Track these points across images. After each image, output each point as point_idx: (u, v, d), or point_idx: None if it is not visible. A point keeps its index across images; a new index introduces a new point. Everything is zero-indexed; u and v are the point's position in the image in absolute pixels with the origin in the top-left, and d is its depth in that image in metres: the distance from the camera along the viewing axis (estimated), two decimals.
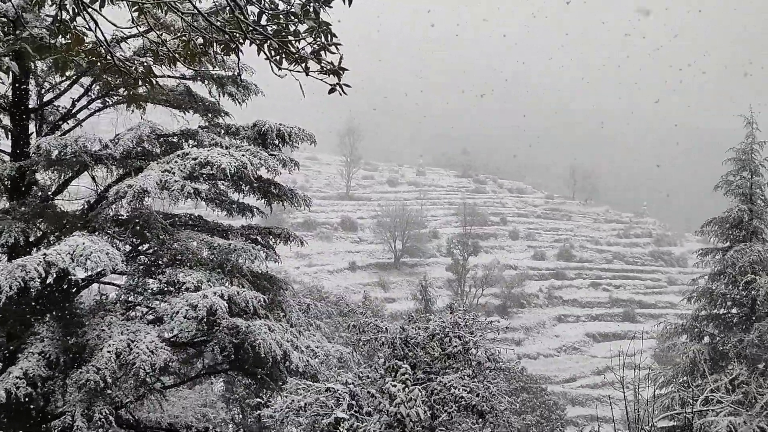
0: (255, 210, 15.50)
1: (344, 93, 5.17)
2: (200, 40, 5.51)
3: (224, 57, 11.59)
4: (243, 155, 12.35)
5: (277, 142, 14.46)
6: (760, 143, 20.70)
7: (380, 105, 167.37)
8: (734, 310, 20.86)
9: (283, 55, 5.17)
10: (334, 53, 5.11)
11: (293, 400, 10.74)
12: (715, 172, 21.95)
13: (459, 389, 10.77)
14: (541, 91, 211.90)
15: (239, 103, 14.54)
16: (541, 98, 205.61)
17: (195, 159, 11.95)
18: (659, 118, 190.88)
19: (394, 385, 9.92)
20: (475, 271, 71.46)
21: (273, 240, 15.22)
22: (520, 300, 72.97)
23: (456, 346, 11.64)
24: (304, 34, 5.12)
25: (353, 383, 11.00)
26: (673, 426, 19.21)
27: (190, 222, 14.39)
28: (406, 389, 9.92)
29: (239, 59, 5.70)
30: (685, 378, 19.73)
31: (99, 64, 6.33)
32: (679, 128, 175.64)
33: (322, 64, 5.13)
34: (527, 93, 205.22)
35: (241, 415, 21.72)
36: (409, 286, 69.78)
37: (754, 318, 19.43)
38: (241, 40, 5.25)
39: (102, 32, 5.42)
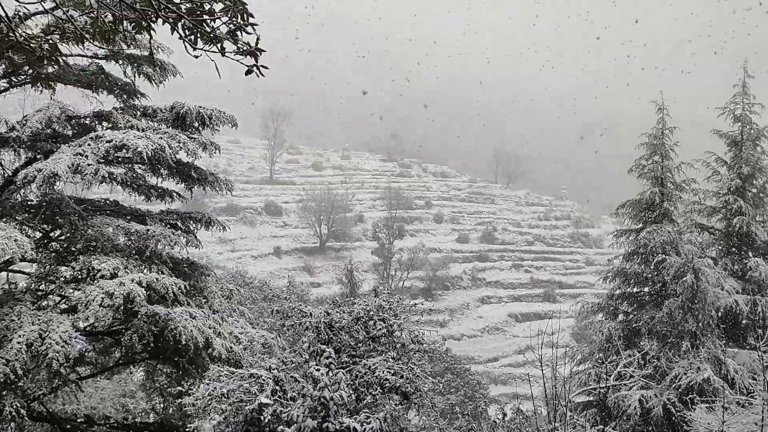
0: (175, 194, 15.10)
1: (261, 75, 5.05)
2: (110, 18, 5.27)
3: (135, 36, 11.18)
4: (161, 138, 12.00)
5: (196, 124, 14.08)
6: (670, 129, 21.49)
7: (305, 88, 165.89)
8: (646, 289, 21.64)
9: (198, 35, 5.01)
10: (250, 33, 4.98)
11: (215, 388, 10.56)
12: (631, 156, 22.64)
13: (383, 371, 10.84)
14: (465, 77, 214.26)
15: (156, 84, 14.05)
16: (465, 84, 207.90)
17: (110, 142, 11.52)
18: (576, 103, 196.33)
19: (318, 369, 9.88)
20: (400, 254, 72.11)
21: (194, 225, 14.87)
22: (445, 282, 74.14)
23: (380, 329, 11.71)
24: (219, 13, 4.97)
25: (277, 369, 10.89)
26: (590, 401, 19.96)
27: (106, 207, 13.89)
28: (330, 373, 9.90)
29: (151, 38, 5.48)
30: (601, 355, 20.42)
31: (1, 42, 5.98)
32: (597, 113, 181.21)
33: (239, 45, 5.00)
34: (453, 78, 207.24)
35: (162, 405, 21.23)
36: (335, 270, 69.85)
37: (664, 296, 20.25)
38: (153, 18, 5.04)
39: (3, 8, 5.11)
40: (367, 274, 69.29)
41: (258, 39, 4.99)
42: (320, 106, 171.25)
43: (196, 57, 5.16)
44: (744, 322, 20.61)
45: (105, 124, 13.17)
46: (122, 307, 10.96)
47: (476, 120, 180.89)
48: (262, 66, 5.04)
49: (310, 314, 11.94)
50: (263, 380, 10.53)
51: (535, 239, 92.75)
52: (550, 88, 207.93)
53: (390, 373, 10.83)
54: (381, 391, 10.92)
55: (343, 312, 12.09)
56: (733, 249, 22.37)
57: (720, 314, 19.59)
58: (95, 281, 11.19)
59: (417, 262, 70.83)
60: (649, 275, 21.10)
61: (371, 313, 11.86)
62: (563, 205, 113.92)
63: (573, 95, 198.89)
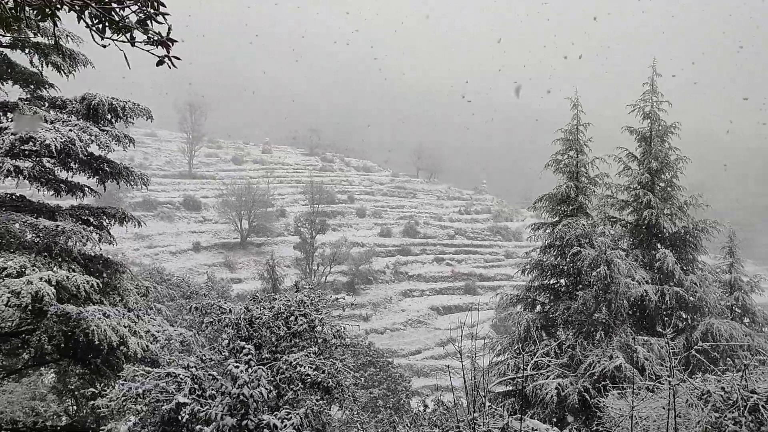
0: (87, 189, 14.52)
1: (174, 66, 4.89)
2: (11, 3, 4.98)
3: (38, 23, 10.65)
4: (71, 130, 11.49)
5: (109, 116, 13.58)
6: (584, 125, 22.19)
7: (226, 81, 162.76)
8: (563, 280, 22.30)
9: (106, 23, 4.79)
10: (161, 23, 4.80)
11: (131, 388, 10.20)
12: (548, 150, 23.23)
13: (305, 367, 10.74)
14: (388, 73, 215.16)
15: (65, 74, 13.46)
16: (390, 80, 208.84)
17: (15, 134, 10.95)
18: (497, 98, 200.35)
19: (237, 367, 9.69)
20: (323, 249, 71.83)
21: (107, 221, 14.36)
22: (368, 276, 74.36)
23: (302, 325, 11.60)
24: (129, 1, 4.78)
25: (196, 366, 10.63)
26: (510, 390, 20.41)
27: (11, 202, 13.20)
28: (250, 370, 9.73)
29: (56, 25, 5.20)
30: (519, 345, 20.90)
31: None
32: (517, 108, 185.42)
33: (149, 35, 4.81)
34: (376, 74, 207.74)
35: (75, 407, 20.45)
36: (257, 266, 68.96)
37: (579, 287, 20.92)
38: (58, 5, 4.79)
39: None
40: (289, 269, 68.73)
41: (170, 29, 4.82)
42: (242, 100, 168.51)
43: (104, 47, 4.94)
44: (653, 310, 21.50)
45: (10, 115, 12.50)
46: (30, 307, 10.46)
47: (398, 114, 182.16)
48: (174, 57, 4.87)
49: (230, 311, 11.71)
50: (181, 379, 10.26)
51: (457, 233, 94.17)
52: (471, 82, 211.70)
53: (312, 368, 10.75)
54: (303, 386, 10.82)
55: (264, 308, 11.91)
56: (643, 241, 23.31)
57: (631, 303, 20.40)
58: (1, 280, 10.64)
59: (340, 256, 70.74)
60: (565, 267, 21.72)
61: (292, 308, 11.73)
62: (483, 198, 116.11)
63: (492, 89, 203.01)
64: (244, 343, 10.53)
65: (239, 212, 77.39)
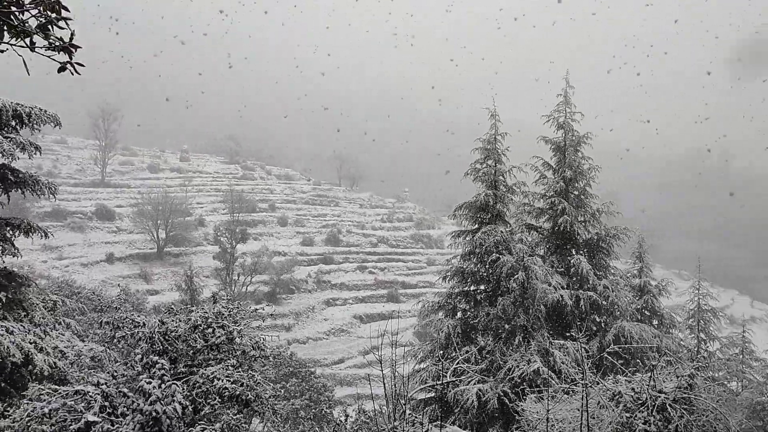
0: None
1: (76, 72, 4.67)
2: None
3: None
4: None
5: (14, 123, 12.91)
6: (502, 134, 22.64)
7: (142, 87, 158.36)
8: (482, 287, 22.61)
9: (5, 28, 4.54)
10: (63, 29, 4.59)
11: (36, 407, 9.66)
12: (469, 159, 23.51)
13: (222, 380, 10.46)
14: (309, 81, 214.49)
15: None
16: (312, 88, 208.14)
17: None
18: (416, 109, 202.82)
19: (149, 382, 9.33)
20: (243, 258, 70.66)
21: (11, 232, 13.62)
22: (290, 286, 73.60)
23: (220, 337, 11.30)
24: (29, 5, 4.54)
25: (107, 383, 10.18)
26: (431, 397, 20.52)
27: None
28: (163, 385, 9.38)
29: None
30: (440, 352, 21.07)
31: None
32: (435, 119, 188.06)
33: (51, 40, 4.59)
34: (299, 83, 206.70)
35: None
36: (174, 277, 67.13)
37: (499, 293, 21.27)
38: None
39: None
40: (208, 279, 67.22)
41: (73, 34, 4.61)
42: (160, 108, 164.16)
43: (2, 51, 4.69)
44: (569, 314, 22.10)
45: None
46: None
47: (320, 123, 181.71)
48: (77, 63, 4.66)
49: (144, 324, 11.28)
50: (91, 396, 9.80)
51: (379, 241, 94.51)
52: (390, 92, 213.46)
53: (230, 381, 10.47)
54: (220, 400, 10.53)
55: (180, 320, 11.55)
56: (559, 247, 23.96)
57: (548, 308, 20.90)
58: None
59: (261, 266, 69.74)
60: (485, 274, 22.04)
61: (210, 320, 11.42)
62: (405, 207, 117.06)
63: (416, 97, 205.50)
64: (157, 357, 10.16)
65: (156, 222, 75.20)
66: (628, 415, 9.33)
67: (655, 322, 27.08)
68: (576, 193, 24.15)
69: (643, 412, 9.27)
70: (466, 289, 22.68)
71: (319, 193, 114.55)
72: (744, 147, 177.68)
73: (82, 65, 4.70)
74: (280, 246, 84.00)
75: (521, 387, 17.60)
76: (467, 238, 22.46)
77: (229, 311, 11.78)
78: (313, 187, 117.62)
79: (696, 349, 30.35)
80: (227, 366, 10.98)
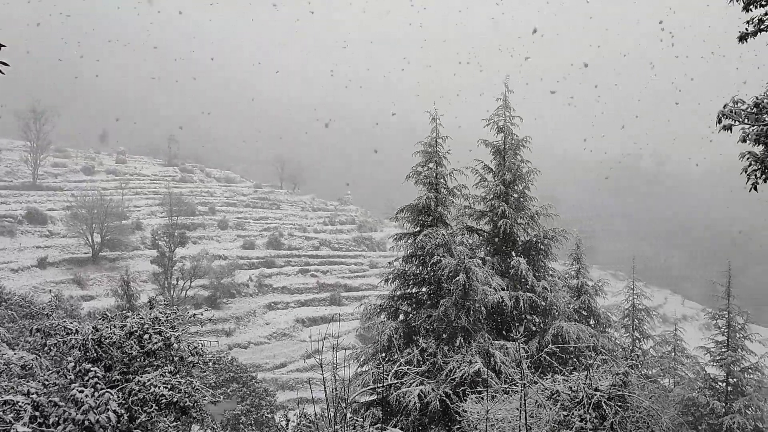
0: None
1: (0, 72, 4.48)
2: None
3: None
4: None
5: None
6: (443, 138, 22.84)
7: (73, 87, 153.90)
8: (424, 289, 22.76)
9: None
10: None
11: None
12: (409, 162, 23.63)
13: (159, 387, 10.20)
14: (249, 84, 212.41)
15: None
16: (254, 92, 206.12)
17: None
18: (359, 110, 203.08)
19: (82, 391, 9.02)
20: (182, 262, 69.26)
21: None
22: (231, 290, 72.52)
23: (156, 343, 11.01)
24: None
25: (37, 392, 9.80)
26: (374, 399, 20.52)
27: None
28: (97, 394, 9.08)
29: None
30: (383, 354, 21.10)
31: None
32: (382, 121, 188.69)
33: None
34: (238, 85, 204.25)
35: None
36: (110, 282, 65.35)
37: (440, 295, 21.43)
38: None
39: None
40: (146, 284, 65.67)
41: None
42: (94, 106, 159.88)
43: None
44: (509, 315, 22.42)
45: None
46: None
47: (260, 124, 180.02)
48: (1, 62, 4.46)
49: (77, 331, 10.91)
50: (20, 407, 9.42)
51: (321, 244, 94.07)
52: (330, 94, 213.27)
53: (167, 388, 10.21)
54: (157, 408, 10.26)
55: (115, 326, 11.21)
56: (499, 249, 24.29)
57: (489, 309, 21.17)
58: None
59: (201, 270, 68.46)
60: (427, 276, 22.17)
61: (146, 326, 11.11)
62: (348, 209, 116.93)
63: (352, 100, 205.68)
64: (90, 365, 9.82)
65: (90, 226, 73.00)
66: (565, 413, 9.51)
67: (591, 322, 27.73)
68: (516, 195, 24.52)
69: (579, 410, 9.46)
70: (408, 291, 22.79)
71: (261, 195, 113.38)
72: (677, 150, 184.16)
73: (6, 64, 4.51)
74: (220, 250, 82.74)
75: (463, 388, 17.77)
76: (409, 241, 22.57)
77: (167, 316, 11.49)
78: (254, 190, 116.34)
79: (630, 347, 31.24)
80: (164, 372, 10.71)
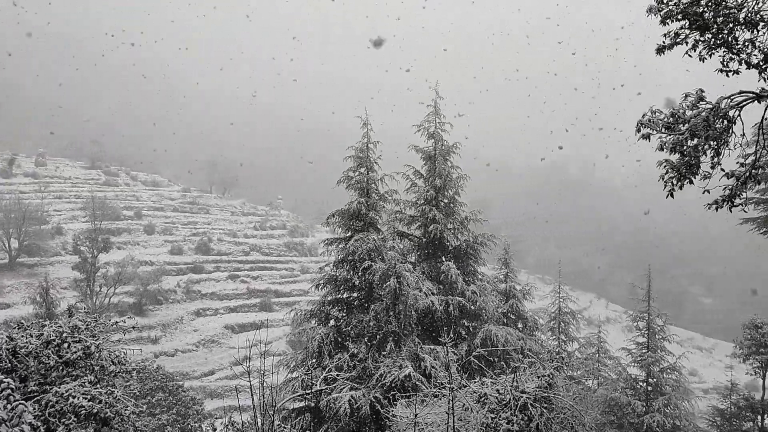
0: None
1: None
2: None
3: None
4: None
5: None
6: (374, 143, 22.86)
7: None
8: (355, 294, 22.69)
9: None
10: None
11: None
12: (340, 167, 23.52)
13: (78, 398, 9.80)
14: (177, 82, 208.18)
15: None
16: (179, 91, 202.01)
17: None
18: (293, 112, 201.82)
19: None
20: (106, 268, 67.15)
21: None
22: (157, 296, 70.71)
23: (75, 352, 10.58)
24: None
25: None
26: (304, 406, 20.32)
27: None
28: (9, 406, 8.65)
29: None
30: (313, 360, 20.92)
31: None
32: (308, 126, 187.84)
33: None
34: (165, 85, 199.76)
35: None
36: (28, 289, 62.62)
37: (371, 300, 21.43)
38: None
39: None
40: (66, 291, 63.29)
41: None
42: (9, 106, 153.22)
43: None
44: (439, 319, 22.61)
45: None
46: None
47: (189, 128, 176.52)
48: None
49: None
50: None
51: (252, 249, 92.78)
52: (259, 97, 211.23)
53: (86, 398, 9.82)
54: (76, 419, 9.85)
55: (32, 335, 10.72)
56: (430, 254, 24.49)
57: (419, 314, 21.29)
58: None
59: (125, 276, 66.50)
60: (358, 281, 22.12)
61: (65, 335, 10.67)
62: (279, 214, 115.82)
63: (286, 104, 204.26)
64: (3, 376, 9.35)
65: (7, 230, 69.91)
66: (492, 416, 9.64)
67: (519, 325, 28.28)
68: (446, 201, 24.78)
69: (506, 412, 9.60)
70: (339, 296, 22.68)
71: (189, 200, 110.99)
72: (603, 157, 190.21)
73: None
74: (146, 255, 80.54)
75: (393, 392, 17.79)
76: (340, 246, 22.47)
77: (87, 324, 11.07)
78: (182, 194, 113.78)
79: (556, 349, 32.01)
80: (84, 383, 10.30)
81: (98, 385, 10.47)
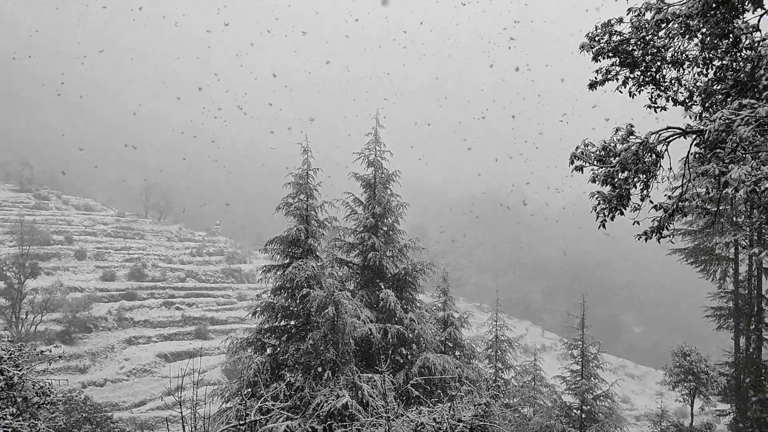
0: None
1: None
2: None
3: None
4: None
5: None
6: (314, 170, 22.85)
7: None
8: (293, 322, 22.44)
9: None
10: None
11: None
12: (282, 193, 23.37)
13: None
14: (116, 106, 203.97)
15: None
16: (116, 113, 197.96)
17: None
18: (234, 139, 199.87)
19: None
20: (33, 295, 64.61)
21: None
22: (87, 324, 68.29)
23: None
24: None
25: None
26: None
27: None
28: None
29: None
30: (249, 389, 20.51)
31: None
32: (253, 151, 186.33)
33: None
34: (100, 106, 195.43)
35: None
36: None
37: (309, 328, 21.23)
38: None
39: None
40: None
41: None
42: None
43: None
44: (377, 347, 22.53)
45: None
46: None
47: (126, 151, 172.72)
48: None
49: None
50: None
51: (188, 275, 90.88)
52: (194, 122, 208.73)
53: None
54: None
55: None
56: (369, 281, 24.47)
57: (357, 342, 21.19)
58: None
59: (54, 303, 64.08)
60: (296, 308, 21.91)
61: None
62: (216, 240, 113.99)
63: (224, 134, 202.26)
64: None
65: None
66: None
67: (457, 353, 28.42)
68: (385, 228, 24.88)
69: None
70: (276, 324, 22.39)
71: (123, 225, 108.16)
72: (539, 188, 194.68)
73: None
74: (77, 281, 77.88)
75: (330, 422, 17.58)
76: (278, 273, 22.24)
77: (10, 354, 10.57)
78: (116, 219, 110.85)
79: (493, 377, 32.27)
80: (5, 415, 9.81)
81: (20, 418, 9.98)
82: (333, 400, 18.30)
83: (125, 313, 74.10)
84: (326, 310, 19.39)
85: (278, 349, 21.82)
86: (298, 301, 21.30)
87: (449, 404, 10.34)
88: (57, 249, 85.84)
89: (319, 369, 19.90)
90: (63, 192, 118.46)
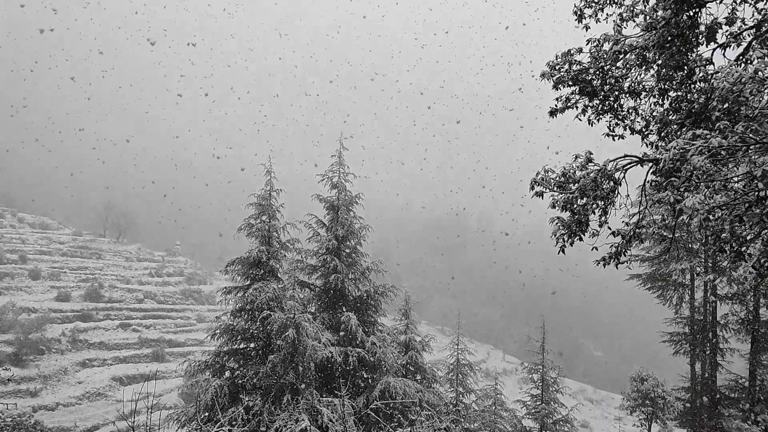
0: None
1: None
2: None
3: None
4: None
5: None
6: (276, 191, 22.78)
7: None
8: (253, 345, 22.18)
9: None
10: None
11: None
12: (242, 214, 23.24)
13: None
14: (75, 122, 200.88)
15: None
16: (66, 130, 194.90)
17: None
18: (194, 158, 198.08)
19: None
20: None
21: None
22: (39, 346, 66.36)
23: None
24: None
25: None
26: None
27: None
28: None
29: None
30: (206, 414, 20.15)
31: None
32: (217, 169, 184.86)
33: None
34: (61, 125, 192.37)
35: None
36: None
37: (269, 351, 20.99)
38: None
39: None
40: None
41: None
42: None
43: None
44: (338, 371, 22.36)
45: None
46: None
47: (87, 169, 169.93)
48: None
49: None
50: None
51: (146, 296, 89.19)
52: (158, 140, 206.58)
53: None
54: None
55: None
56: (330, 304, 24.35)
57: (318, 365, 21.01)
58: None
59: (5, 324, 62.26)
60: (256, 331, 21.68)
61: None
62: (176, 261, 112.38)
63: (183, 148, 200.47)
64: None
65: None
66: None
67: (418, 377, 28.36)
68: (348, 251, 24.85)
69: None
70: (236, 347, 22.11)
71: (81, 244, 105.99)
72: (502, 214, 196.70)
73: None
74: (30, 302, 75.80)
75: None
76: (239, 294, 22.02)
77: None
78: (73, 238, 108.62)
79: (454, 401, 32.24)
80: None
81: None
82: (292, 424, 18.05)
83: (80, 335, 72.24)
84: (287, 333, 19.21)
85: (237, 372, 21.52)
86: (258, 323, 21.07)
87: (409, 429, 10.29)
88: (10, 268, 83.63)
89: (279, 393, 19.66)
90: (18, 210, 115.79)
